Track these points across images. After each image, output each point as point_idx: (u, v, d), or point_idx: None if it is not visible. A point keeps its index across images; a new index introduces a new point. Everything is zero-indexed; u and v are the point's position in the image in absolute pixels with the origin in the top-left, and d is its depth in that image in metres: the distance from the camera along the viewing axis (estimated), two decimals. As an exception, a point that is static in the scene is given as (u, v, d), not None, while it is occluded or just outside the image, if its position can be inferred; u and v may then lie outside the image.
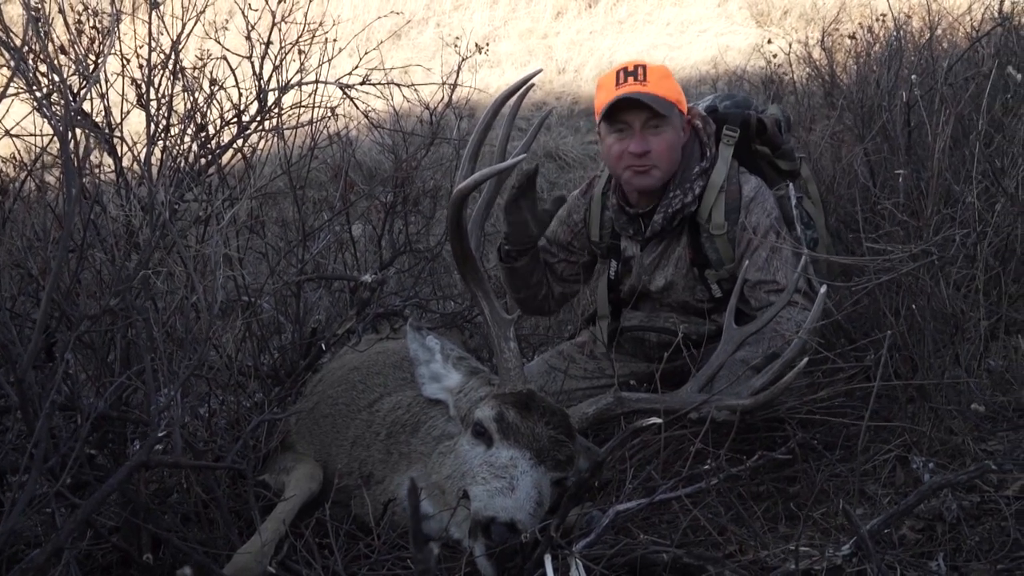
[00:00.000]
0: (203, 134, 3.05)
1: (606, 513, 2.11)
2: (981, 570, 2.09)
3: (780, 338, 2.84)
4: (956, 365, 2.72)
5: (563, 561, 1.98)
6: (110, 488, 1.82)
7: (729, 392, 2.58)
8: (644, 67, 3.08)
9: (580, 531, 2.17)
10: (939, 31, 4.90)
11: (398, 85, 3.70)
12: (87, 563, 2.28)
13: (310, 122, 3.37)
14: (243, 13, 3.21)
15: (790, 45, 6.31)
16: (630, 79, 3.06)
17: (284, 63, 3.26)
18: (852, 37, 5.78)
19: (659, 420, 2.22)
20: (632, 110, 3.05)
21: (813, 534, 2.33)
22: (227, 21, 3.46)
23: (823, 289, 2.63)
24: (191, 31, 3.05)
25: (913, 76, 3.34)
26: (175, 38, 2.98)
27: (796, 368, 2.47)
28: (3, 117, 2.42)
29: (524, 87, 2.81)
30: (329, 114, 3.44)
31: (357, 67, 3.53)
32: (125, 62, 2.93)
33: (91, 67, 2.72)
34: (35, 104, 2.46)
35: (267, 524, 2.28)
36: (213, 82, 3.09)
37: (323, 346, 2.97)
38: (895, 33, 4.76)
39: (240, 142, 3.18)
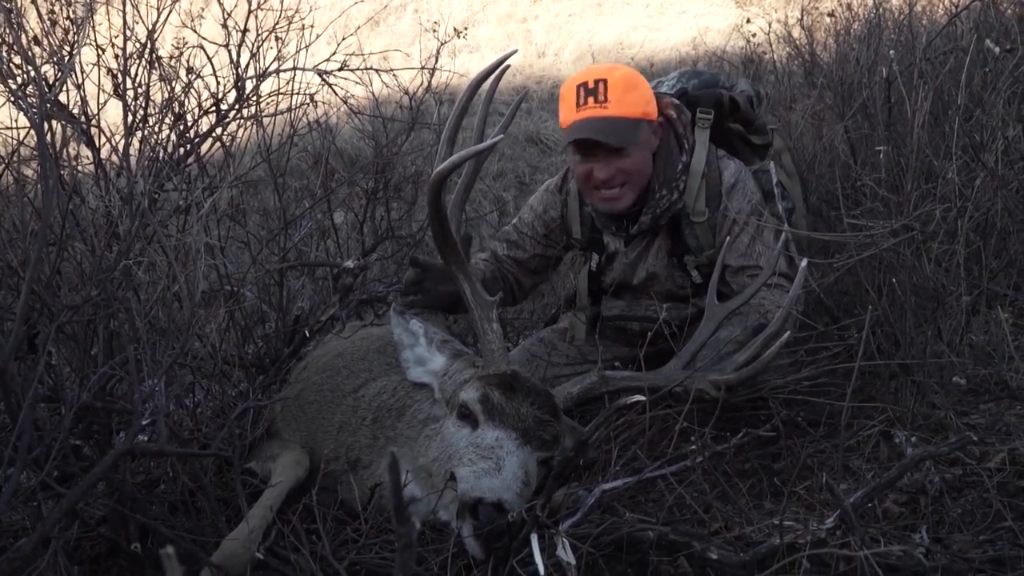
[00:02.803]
0: (181, 123, 3.03)
1: (592, 492, 2.12)
2: (964, 541, 2.11)
3: (762, 316, 2.85)
4: (938, 340, 2.74)
5: (549, 540, 1.99)
6: (95, 477, 1.83)
7: (713, 368, 2.59)
8: (605, 82, 2.93)
9: (566, 510, 2.18)
10: (918, 6, 4.91)
11: (377, 71, 3.69)
12: (76, 554, 2.28)
13: (289, 109, 3.36)
14: (219, 1, 3.19)
15: (769, 24, 6.31)
16: (590, 100, 2.93)
17: (261, 51, 3.24)
18: (831, 15, 5.79)
19: (642, 398, 2.23)
20: (597, 143, 2.96)
21: (798, 509, 2.35)
22: (203, 9, 3.44)
23: (804, 263, 2.64)
24: (167, 20, 3.02)
25: (891, 52, 3.35)
26: (151, 27, 2.95)
27: (779, 341, 2.48)
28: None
29: (499, 69, 2.79)
30: (308, 101, 3.42)
31: (335, 53, 3.51)
32: (100, 52, 2.91)
33: (66, 58, 2.70)
34: (10, 96, 2.44)
35: (254, 511, 2.28)
36: (190, 71, 3.07)
37: (307, 333, 2.97)
38: (874, 10, 4.77)
39: (219, 131, 3.16)
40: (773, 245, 3.02)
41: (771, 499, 2.48)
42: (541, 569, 1.82)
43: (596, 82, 2.95)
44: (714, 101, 3.21)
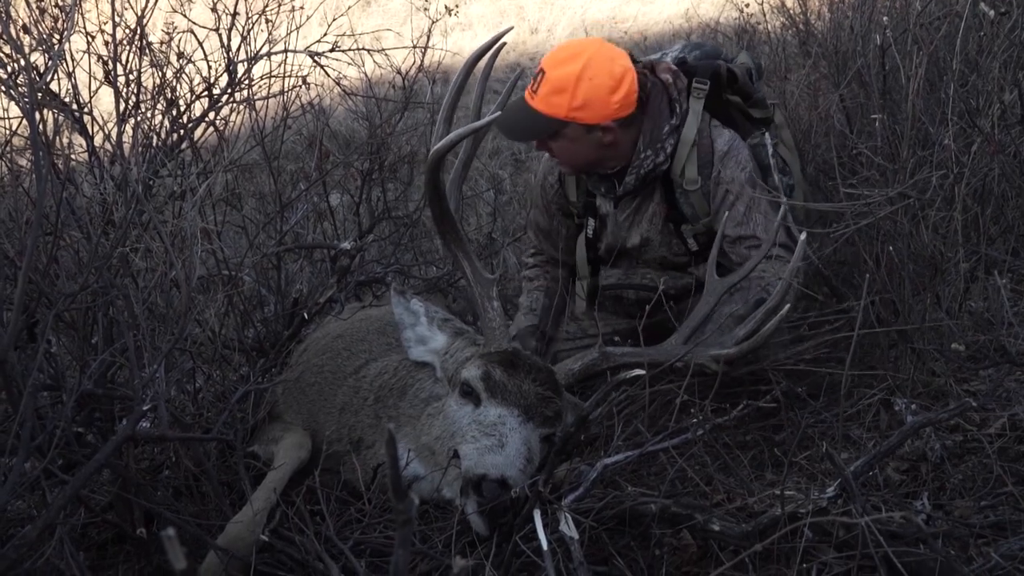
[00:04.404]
0: (174, 109, 3.02)
1: (594, 467, 2.13)
2: (965, 507, 2.12)
3: (763, 290, 2.85)
4: (937, 308, 2.74)
5: (552, 515, 2.00)
6: (98, 463, 1.83)
7: (714, 342, 2.59)
8: (544, 73, 2.95)
9: (569, 485, 2.19)
10: (911, -27, 4.86)
11: (369, 51, 3.67)
12: (83, 541, 2.30)
13: (281, 92, 3.34)
14: (208, -16, 3.18)
15: (762, -6, 6.25)
16: (532, 82, 2.98)
17: (252, 34, 3.23)
18: (824, -18, 5.73)
19: (642, 371, 2.24)
20: None
21: (799, 479, 2.36)
22: (192, -7, 3.41)
23: (803, 236, 2.63)
24: (156, 5, 3.01)
25: (885, 19, 3.33)
26: (140, 13, 2.93)
27: (779, 314, 2.48)
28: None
29: (495, 46, 2.79)
30: (300, 83, 3.41)
31: (326, 35, 3.50)
32: (90, 39, 2.89)
33: (55, 46, 2.68)
34: (1, 86, 2.43)
35: (258, 494, 2.29)
36: (181, 56, 3.06)
37: (305, 315, 2.97)
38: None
39: (212, 115, 3.15)
40: (769, 214, 3.02)
41: (772, 470, 2.49)
42: (544, 544, 1.83)
43: (540, 71, 2.98)
44: (711, 72, 3.19)
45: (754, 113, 3.31)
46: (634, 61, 3.16)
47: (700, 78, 3.17)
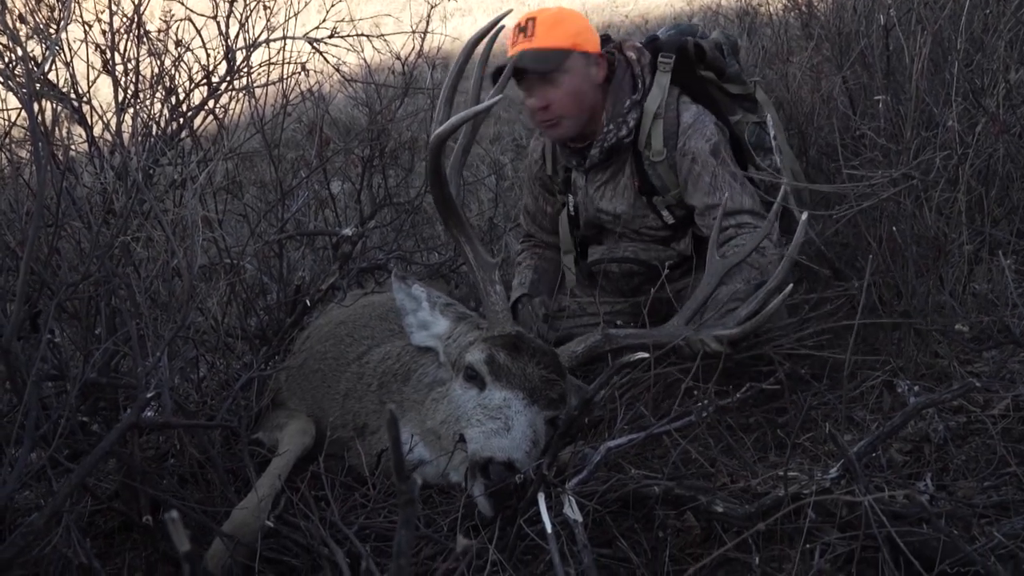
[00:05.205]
0: (173, 98, 3.01)
1: (598, 450, 2.13)
2: (968, 487, 2.12)
3: (761, 272, 2.85)
4: (940, 290, 2.73)
5: (556, 498, 2.01)
6: (103, 451, 1.84)
7: (716, 323, 2.60)
8: (534, 20, 3.09)
9: (573, 469, 2.19)
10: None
11: (368, 37, 3.65)
12: (90, 529, 2.31)
13: (281, 79, 3.33)
14: (205, -29, 3.16)
15: (765, -24, 6.22)
16: (520, 36, 3.09)
17: (250, 21, 3.21)
18: (827, -36, 5.68)
19: (646, 355, 2.24)
20: (525, 72, 3.08)
21: (802, 461, 2.36)
22: (190, -19, 3.39)
23: (804, 216, 2.63)
24: (153, -7, 3.00)
25: (888, -2, 3.31)
26: (137, 1, 2.92)
27: (783, 293, 2.48)
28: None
29: (494, 30, 2.82)
30: (300, 70, 3.39)
31: (325, 21, 3.48)
32: (88, 28, 2.88)
33: (52, 35, 2.67)
34: (-2, 78, 2.43)
35: (263, 480, 2.30)
36: (179, 44, 3.05)
37: (308, 302, 2.98)
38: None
39: (211, 103, 3.14)
40: (734, 184, 3.08)
41: (776, 451, 2.49)
42: (549, 527, 1.83)
43: (528, 21, 3.10)
44: (677, 47, 3.24)
45: (731, 89, 3.34)
46: (609, 41, 3.30)
47: (665, 53, 3.22)
